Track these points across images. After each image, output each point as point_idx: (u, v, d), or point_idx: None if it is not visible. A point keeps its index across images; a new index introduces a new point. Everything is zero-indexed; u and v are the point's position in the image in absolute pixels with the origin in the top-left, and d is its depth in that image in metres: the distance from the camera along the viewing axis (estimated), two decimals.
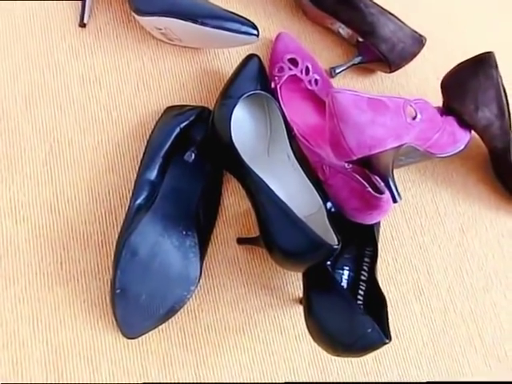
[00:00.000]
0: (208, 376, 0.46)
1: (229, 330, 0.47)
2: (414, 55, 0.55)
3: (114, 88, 0.52)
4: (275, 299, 0.49)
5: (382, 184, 0.40)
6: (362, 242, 0.46)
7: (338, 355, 0.36)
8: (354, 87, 0.58)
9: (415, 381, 0.49)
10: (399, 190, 0.40)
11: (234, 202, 0.51)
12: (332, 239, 0.38)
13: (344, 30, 0.57)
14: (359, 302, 0.42)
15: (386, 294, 0.41)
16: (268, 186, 0.41)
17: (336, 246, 0.37)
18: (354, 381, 0.48)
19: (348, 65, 0.56)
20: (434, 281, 0.52)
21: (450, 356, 0.50)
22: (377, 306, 0.38)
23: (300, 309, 0.49)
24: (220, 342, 0.47)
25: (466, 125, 0.49)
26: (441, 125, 0.44)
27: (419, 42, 0.54)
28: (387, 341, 0.34)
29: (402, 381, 0.48)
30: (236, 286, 0.48)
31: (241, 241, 0.49)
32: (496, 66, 0.48)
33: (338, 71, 0.56)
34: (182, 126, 0.48)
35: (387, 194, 0.39)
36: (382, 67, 0.56)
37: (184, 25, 0.48)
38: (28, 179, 0.48)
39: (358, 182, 0.40)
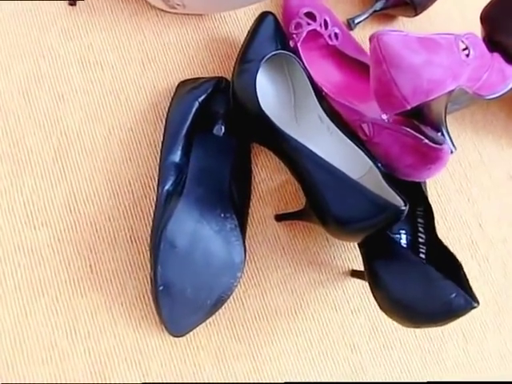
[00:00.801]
0: (265, 365, 0.42)
1: (280, 313, 0.44)
2: None
3: (117, 68, 0.47)
4: (324, 275, 0.45)
5: (438, 134, 0.36)
6: (412, 203, 0.42)
7: (417, 326, 0.33)
8: None
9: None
10: None
11: (265, 176, 0.47)
12: (395, 200, 0.34)
13: None
14: None
15: None
16: (311, 151, 0.37)
17: (403, 208, 0.33)
18: (413, 353, 0.45)
19: (369, 12, 0.51)
20: (488, 234, 0.49)
21: None
22: (449, 268, 0.35)
23: (352, 281, 0.45)
24: (272, 327, 0.43)
25: None
26: (490, 62, 0.40)
27: None
28: (476, 305, 0.30)
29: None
30: (281, 267, 0.45)
31: (279, 217, 0.45)
32: None
33: (357, 21, 0.52)
34: (200, 100, 0.44)
35: (447, 144, 0.35)
36: (406, 11, 0.51)
37: None
38: (40, 180, 0.43)
39: (411, 135, 0.35)
